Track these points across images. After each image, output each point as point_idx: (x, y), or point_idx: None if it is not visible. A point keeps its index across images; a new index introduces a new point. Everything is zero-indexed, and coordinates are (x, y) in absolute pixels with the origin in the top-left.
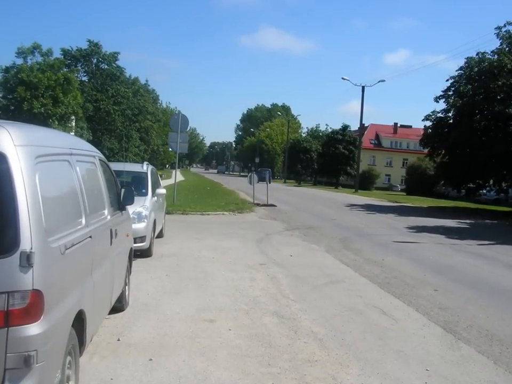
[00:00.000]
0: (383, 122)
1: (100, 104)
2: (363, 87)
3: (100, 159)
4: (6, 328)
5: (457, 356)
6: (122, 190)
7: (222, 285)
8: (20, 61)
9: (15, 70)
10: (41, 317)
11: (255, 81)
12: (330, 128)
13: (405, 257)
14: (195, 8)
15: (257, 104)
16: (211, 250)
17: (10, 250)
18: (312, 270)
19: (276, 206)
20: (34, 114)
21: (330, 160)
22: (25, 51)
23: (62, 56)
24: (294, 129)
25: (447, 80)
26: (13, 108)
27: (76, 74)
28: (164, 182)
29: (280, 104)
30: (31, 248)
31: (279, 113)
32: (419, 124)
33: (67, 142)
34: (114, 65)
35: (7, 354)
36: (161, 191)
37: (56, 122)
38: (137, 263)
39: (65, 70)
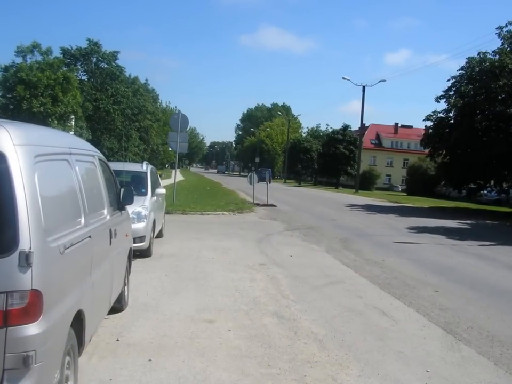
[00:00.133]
0: (383, 122)
1: (100, 104)
2: (364, 87)
3: (99, 159)
4: (5, 328)
5: (458, 357)
6: (122, 190)
7: (221, 285)
8: (19, 60)
9: (15, 69)
10: (40, 317)
11: (255, 81)
12: (331, 128)
13: (406, 257)
14: (195, 7)
15: (258, 104)
16: (211, 251)
17: (9, 250)
18: (312, 270)
19: (276, 206)
20: (33, 114)
21: (330, 160)
22: (25, 50)
23: (62, 55)
24: (294, 129)
25: (448, 80)
26: (12, 107)
27: (76, 74)
28: (163, 182)
29: (280, 103)
30: (30, 248)
31: (279, 113)
32: (420, 124)
33: (66, 141)
34: (114, 64)
35: (6, 355)
36: (161, 190)
37: (56, 122)
38: (137, 263)
39: (64, 69)
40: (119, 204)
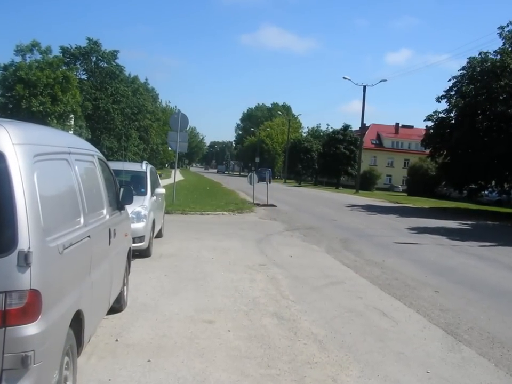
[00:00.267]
0: (384, 122)
1: (99, 103)
2: (364, 87)
3: (98, 158)
4: (3, 328)
5: (458, 358)
6: (121, 190)
7: (221, 286)
8: (18, 59)
9: (14, 67)
10: (39, 317)
11: (256, 80)
12: (331, 128)
13: (406, 258)
14: (195, 6)
15: (258, 104)
16: (210, 251)
17: (8, 249)
18: (312, 271)
19: (276, 206)
20: (32, 113)
21: (331, 160)
22: (24, 49)
23: (61, 54)
24: (294, 129)
25: (449, 80)
26: (11, 106)
27: (75, 73)
28: (163, 182)
29: (280, 103)
30: (29, 248)
31: (279, 112)
32: (421, 124)
33: (66, 140)
34: (113, 63)
35: (4, 355)
36: (161, 190)
37: (55, 121)
38: (136, 263)
39: (64, 68)
40: (119, 204)
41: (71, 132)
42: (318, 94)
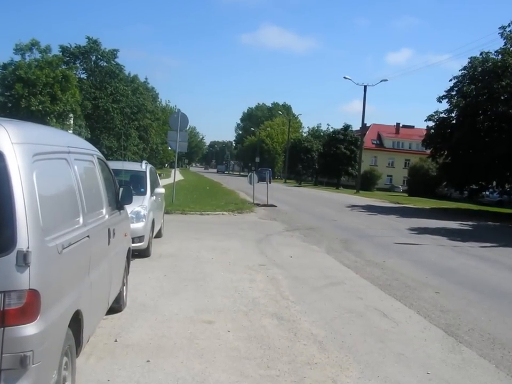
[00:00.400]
0: (385, 122)
1: (99, 102)
2: (365, 87)
3: (98, 158)
4: (2, 328)
5: (459, 359)
6: (121, 189)
7: (221, 286)
8: (17, 58)
9: (13, 66)
10: (38, 317)
11: (256, 80)
12: (332, 127)
13: (406, 259)
14: (195, 5)
15: (258, 103)
16: (210, 251)
17: (7, 249)
18: (312, 271)
19: (276, 206)
20: (32, 112)
21: (331, 160)
22: (23, 48)
23: (61, 53)
24: (295, 129)
25: (450, 80)
26: (10, 105)
27: (75, 72)
28: (162, 181)
29: (281, 103)
30: (28, 248)
31: (280, 112)
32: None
33: (65, 140)
34: (113, 62)
35: (3, 355)
36: (160, 190)
37: (54, 120)
38: (135, 263)
39: (63, 67)
40: (118, 204)
41: (71, 131)
42: (319, 94)
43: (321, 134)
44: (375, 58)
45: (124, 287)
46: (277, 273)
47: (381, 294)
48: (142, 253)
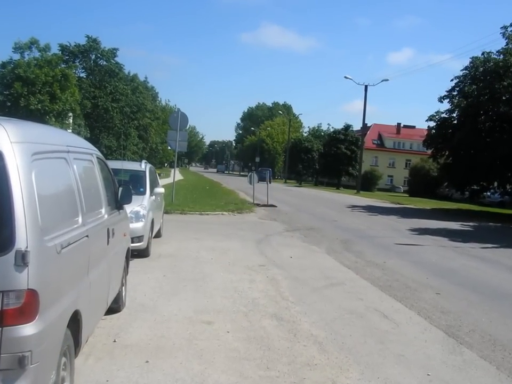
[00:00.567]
0: (386, 122)
1: (98, 101)
2: (366, 86)
3: (97, 157)
4: (0, 328)
5: (459, 360)
6: (120, 189)
7: (220, 287)
8: (17, 56)
9: (12, 65)
10: (36, 317)
11: (256, 79)
12: (332, 127)
13: (407, 259)
14: (195, 4)
15: (258, 103)
16: (210, 251)
17: (6, 249)
18: (313, 272)
19: (276, 206)
20: (31, 111)
21: (332, 160)
22: (23, 46)
23: (60, 52)
24: (295, 129)
25: (452, 80)
26: (9, 104)
27: (74, 71)
28: (162, 181)
29: (281, 102)
30: (27, 247)
31: (280, 112)
32: (423, 124)
33: (64, 139)
34: (113, 61)
35: (1, 355)
36: (160, 190)
37: (53, 119)
38: (135, 263)
39: (63, 66)
40: (117, 203)
41: (70, 131)
42: (319, 93)
43: (322, 134)
44: (376, 58)
45: (123, 287)
46: (276, 274)
47: (382, 295)
48: (141, 253)
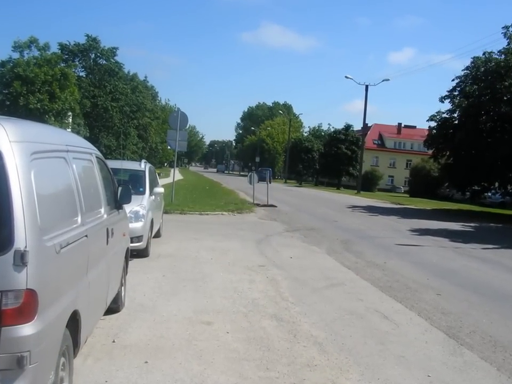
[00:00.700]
0: (386, 122)
1: (98, 101)
2: (367, 86)
3: (96, 157)
4: None
5: (460, 362)
6: (119, 188)
7: (220, 287)
8: (16, 55)
9: (11, 64)
10: (35, 317)
11: (256, 79)
12: (333, 127)
13: (408, 260)
14: (195, 3)
15: (258, 102)
16: (209, 251)
17: (4, 248)
18: (313, 272)
19: (276, 206)
20: (30, 110)
21: (332, 160)
22: (22, 45)
23: (60, 51)
24: (295, 128)
25: (453, 80)
26: (8, 103)
27: (74, 70)
28: (162, 181)
29: (281, 102)
30: (26, 247)
31: (280, 111)
32: (423, 124)
33: (63, 138)
34: (112, 60)
35: (0, 355)
36: (159, 190)
37: (53, 118)
38: (134, 263)
39: (62, 65)
40: (117, 203)
41: (69, 130)
42: (320, 93)
43: (322, 133)
44: (377, 57)
45: (122, 287)
46: (276, 274)
47: (382, 295)
48: (141, 253)
